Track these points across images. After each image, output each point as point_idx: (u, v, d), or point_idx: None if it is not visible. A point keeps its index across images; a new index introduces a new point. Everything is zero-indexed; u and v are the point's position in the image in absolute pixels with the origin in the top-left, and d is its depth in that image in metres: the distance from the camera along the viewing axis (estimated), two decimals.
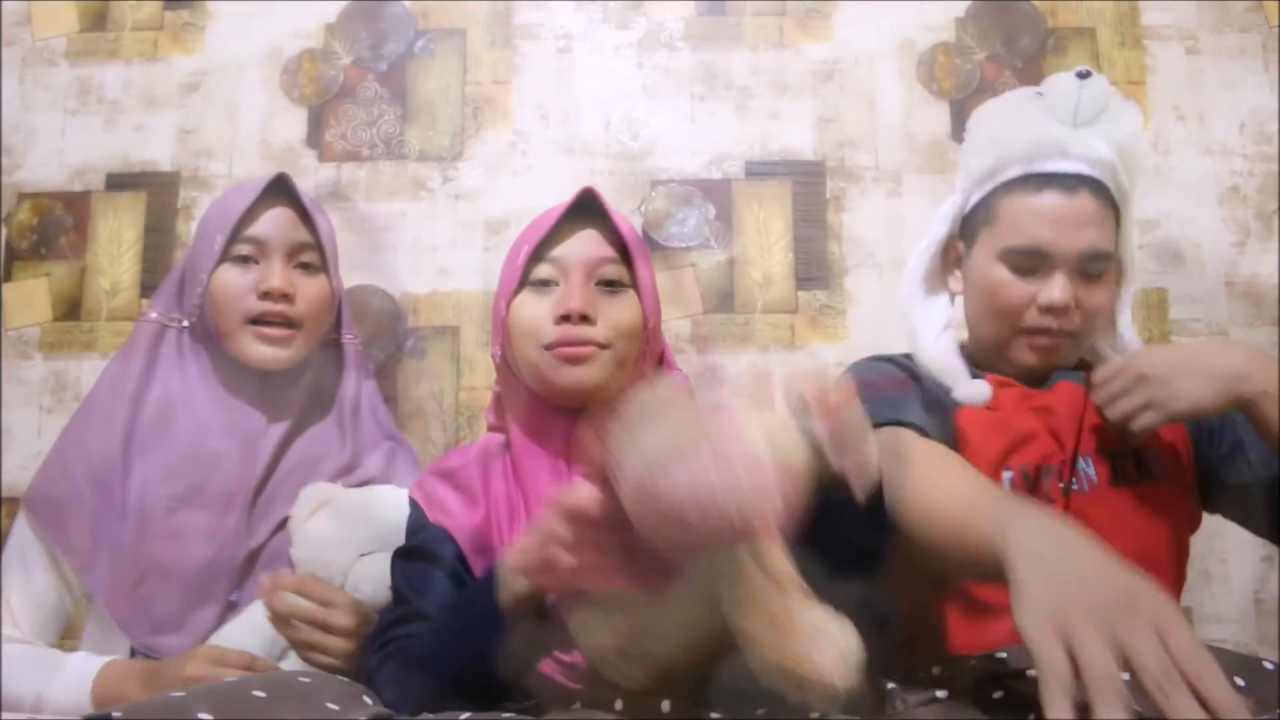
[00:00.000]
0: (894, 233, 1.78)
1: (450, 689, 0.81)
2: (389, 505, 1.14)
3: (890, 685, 0.83)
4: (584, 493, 0.68)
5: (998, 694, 0.78)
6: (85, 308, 1.80)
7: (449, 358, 1.77)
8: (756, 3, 1.86)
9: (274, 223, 1.20)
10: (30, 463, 1.75)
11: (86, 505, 1.15)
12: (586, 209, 1.06)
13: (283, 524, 1.17)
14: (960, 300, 1.22)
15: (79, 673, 1.09)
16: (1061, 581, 0.64)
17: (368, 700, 0.78)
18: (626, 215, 1.80)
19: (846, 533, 0.72)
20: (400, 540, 1.07)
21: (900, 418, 1.02)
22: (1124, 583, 0.63)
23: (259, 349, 1.18)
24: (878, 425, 1.00)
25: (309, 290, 1.20)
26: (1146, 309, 1.73)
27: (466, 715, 0.77)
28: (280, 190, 1.22)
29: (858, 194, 1.80)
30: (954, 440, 1.07)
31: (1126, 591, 0.62)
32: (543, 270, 1.04)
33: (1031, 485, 1.06)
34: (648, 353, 1.07)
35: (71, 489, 1.16)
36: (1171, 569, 1.09)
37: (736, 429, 0.61)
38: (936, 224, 1.21)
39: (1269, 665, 0.82)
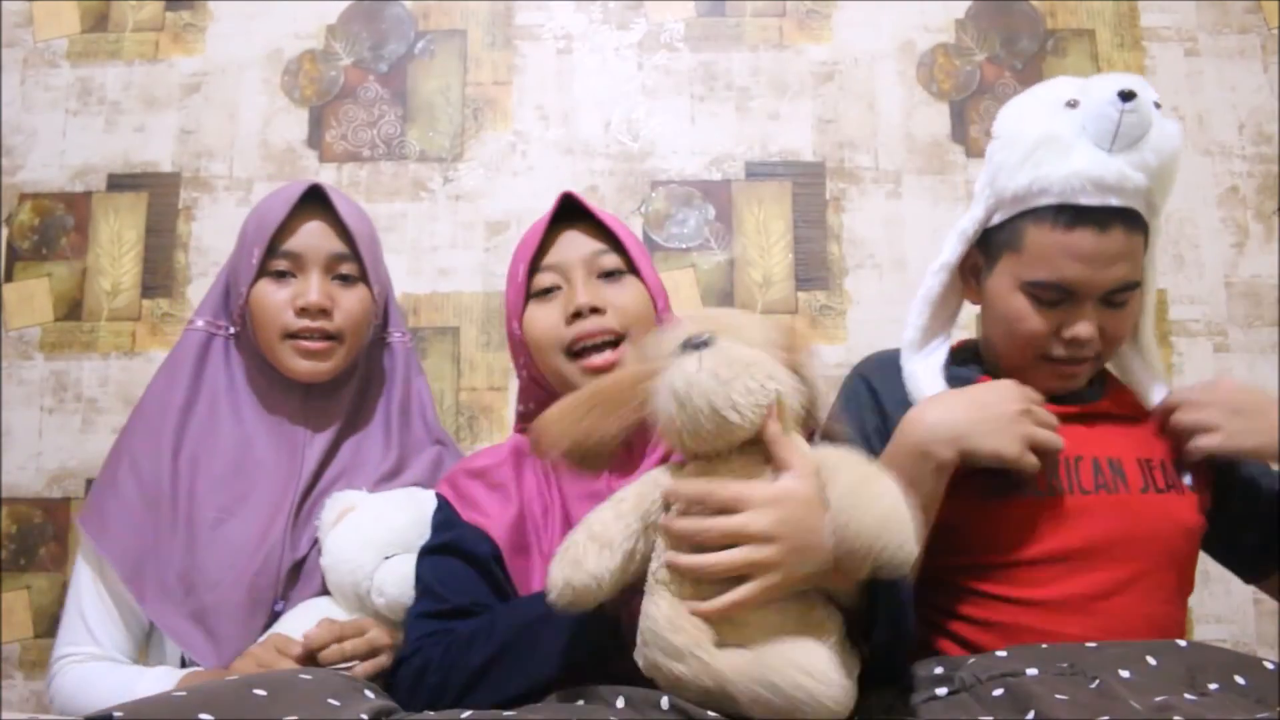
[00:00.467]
0: (894, 233, 1.78)
1: (509, 699, 0.82)
2: (411, 508, 1.14)
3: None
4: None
5: (997, 692, 0.78)
6: (86, 308, 1.80)
7: (449, 358, 1.77)
8: (756, 3, 1.87)
9: (310, 236, 1.18)
10: (30, 463, 1.75)
11: (136, 519, 1.15)
12: (570, 213, 1.08)
13: None
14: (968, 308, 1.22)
15: (160, 686, 1.07)
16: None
17: (369, 694, 0.78)
18: (626, 216, 1.81)
19: None
20: (422, 540, 1.07)
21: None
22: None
23: (299, 363, 1.17)
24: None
25: (348, 302, 1.19)
26: None
27: (467, 715, 0.77)
28: (316, 199, 1.20)
29: (857, 195, 1.80)
30: None
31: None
32: (544, 279, 1.05)
33: (1072, 471, 1.08)
34: None
35: (122, 503, 1.16)
36: (1188, 576, 1.10)
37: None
38: (953, 243, 1.13)
39: (1269, 665, 0.82)
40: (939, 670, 0.85)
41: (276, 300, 1.17)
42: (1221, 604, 1.66)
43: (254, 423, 1.20)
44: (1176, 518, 1.07)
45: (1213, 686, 0.78)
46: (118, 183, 1.83)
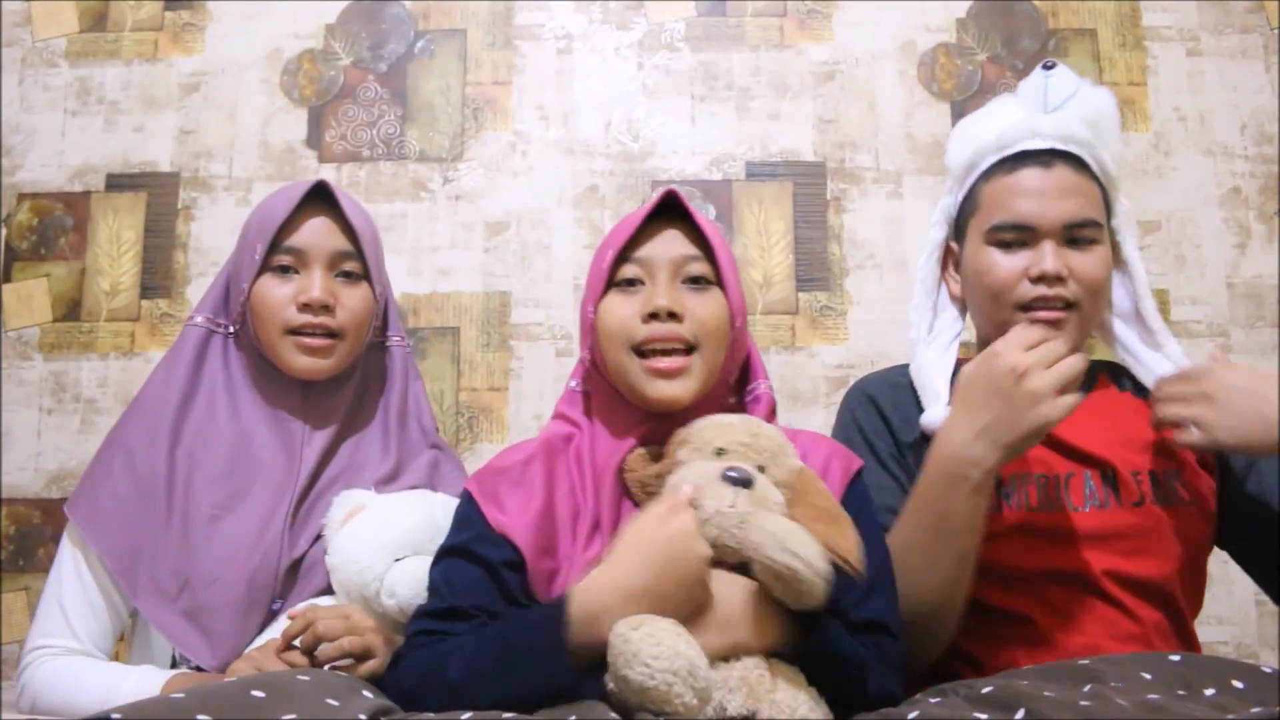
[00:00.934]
0: (894, 234, 1.78)
1: (489, 706, 0.81)
2: (422, 509, 1.13)
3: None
4: None
5: (986, 689, 0.78)
6: (85, 308, 1.80)
7: (449, 358, 1.76)
8: (757, 3, 1.86)
9: (314, 232, 1.18)
10: (30, 463, 1.75)
11: (130, 511, 1.14)
12: (670, 210, 1.06)
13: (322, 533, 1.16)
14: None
15: (145, 686, 1.06)
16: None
17: (367, 694, 0.77)
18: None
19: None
20: (432, 543, 1.06)
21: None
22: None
23: (300, 359, 1.16)
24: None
25: (350, 300, 1.18)
26: None
27: (468, 715, 0.77)
28: (321, 197, 1.20)
29: (858, 195, 1.80)
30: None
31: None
32: (629, 270, 1.03)
33: (1107, 486, 1.06)
34: (735, 352, 1.06)
35: (115, 495, 1.15)
36: (1198, 589, 1.09)
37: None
38: (933, 230, 1.21)
39: (1267, 669, 0.82)
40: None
41: (279, 296, 1.16)
42: (1223, 605, 1.65)
43: (252, 420, 1.19)
44: (1173, 533, 1.04)
45: (1209, 692, 0.77)
46: (117, 183, 1.83)
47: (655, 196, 1.06)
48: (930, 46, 1.84)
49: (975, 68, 1.83)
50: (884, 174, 1.80)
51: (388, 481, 1.20)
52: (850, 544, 0.86)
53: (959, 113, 1.80)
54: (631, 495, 0.99)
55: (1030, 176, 1.08)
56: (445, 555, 1.01)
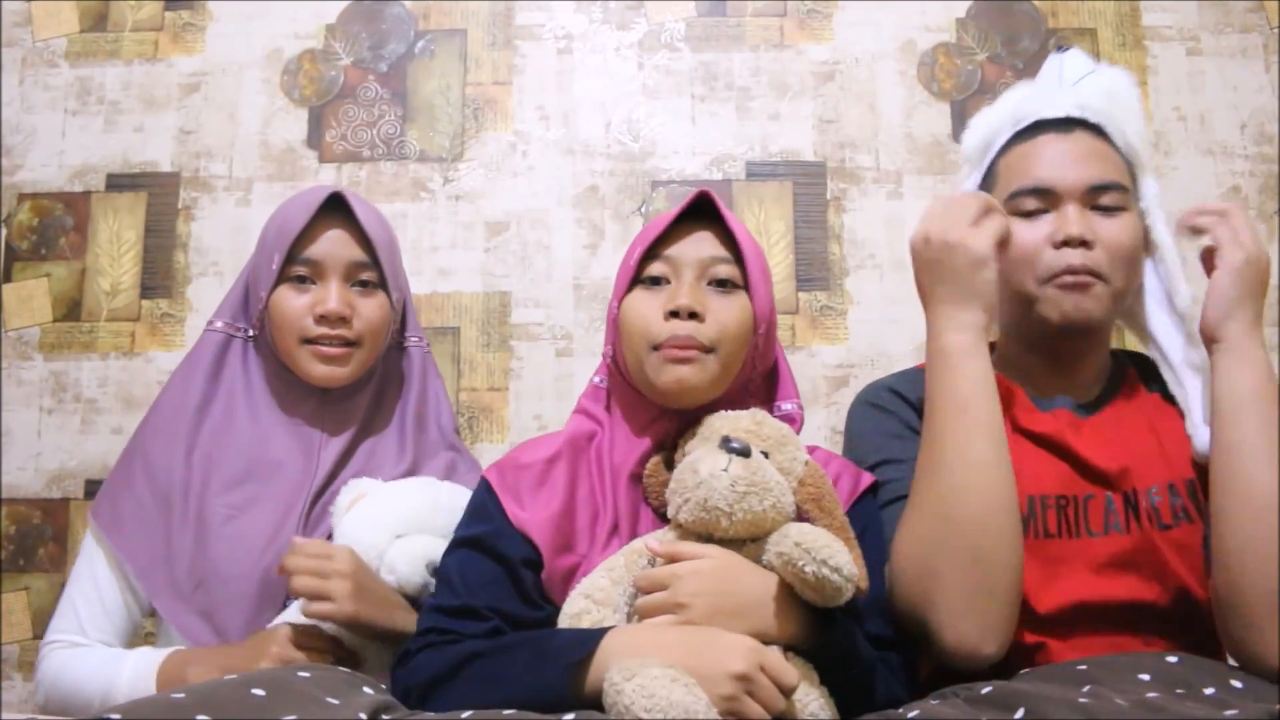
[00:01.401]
0: (895, 234, 1.78)
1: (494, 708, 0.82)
2: (425, 490, 1.16)
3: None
4: None
5: (986, 690, 0.78)
6: (85, 308, 1.80)
7: (449, 358, 1.76)
8: (757, 3, 1.86)
9: (330, 244, 1.18)
10: (30, 463, 1.75)
11: (150, 516, 1.17)
12: (702, 211, 1.05)
13: None
14: None
15: (143, 664, 1.09)
16: None
17: (368, 690, 0.77)
18: (626, 217, 1.81)
19: None
20: (435, 521, 1.08)
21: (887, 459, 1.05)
22: None
23: (317, 368, 1.17)
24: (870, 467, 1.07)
25: (367, 310, 1.19)
26: None
27: (468, 715, 0.77)
28: (337, 206, 1.20)
29: (858, 195, 1.80)
30: None
31: None
32: (655, 268, 1.03)
33: (1134, 507, 0.99)
34: (757, 359, 1.05)
35: (135, 500, 1.18)
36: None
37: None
38: None
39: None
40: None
41: (296, 307, 1.17)
42: None
43: (270, 424, 1.21)
44: (1200, 547, 0.97)
45: (1208, 691, 0.77)
46: (117, 183, 1.83)
47: (689, 196, 1.05)
48: (930, 46, 1.84)
49: (975, 68, 1.83)
50: (884, 174, 1.80)
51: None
52: (859, 561, 0.88)
53: (959, 113, 1.80)
54: (650, 501, 1.00)
55: (1048, 141, 1.04)
56: (460, 546, 1.00)
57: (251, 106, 1.84)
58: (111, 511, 1.19)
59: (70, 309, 1.80)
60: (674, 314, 0.98)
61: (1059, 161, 1.02)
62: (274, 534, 1.15)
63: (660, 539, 0.94)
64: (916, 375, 1.10)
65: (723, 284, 1.02)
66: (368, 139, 1.84)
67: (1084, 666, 0.82)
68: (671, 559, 0.89)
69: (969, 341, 0.95)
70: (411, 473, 1.23)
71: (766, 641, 0.85)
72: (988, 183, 1.11)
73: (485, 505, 1.02)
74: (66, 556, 1.73)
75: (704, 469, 0.89)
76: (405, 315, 1.31)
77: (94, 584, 1.17)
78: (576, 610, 0.92)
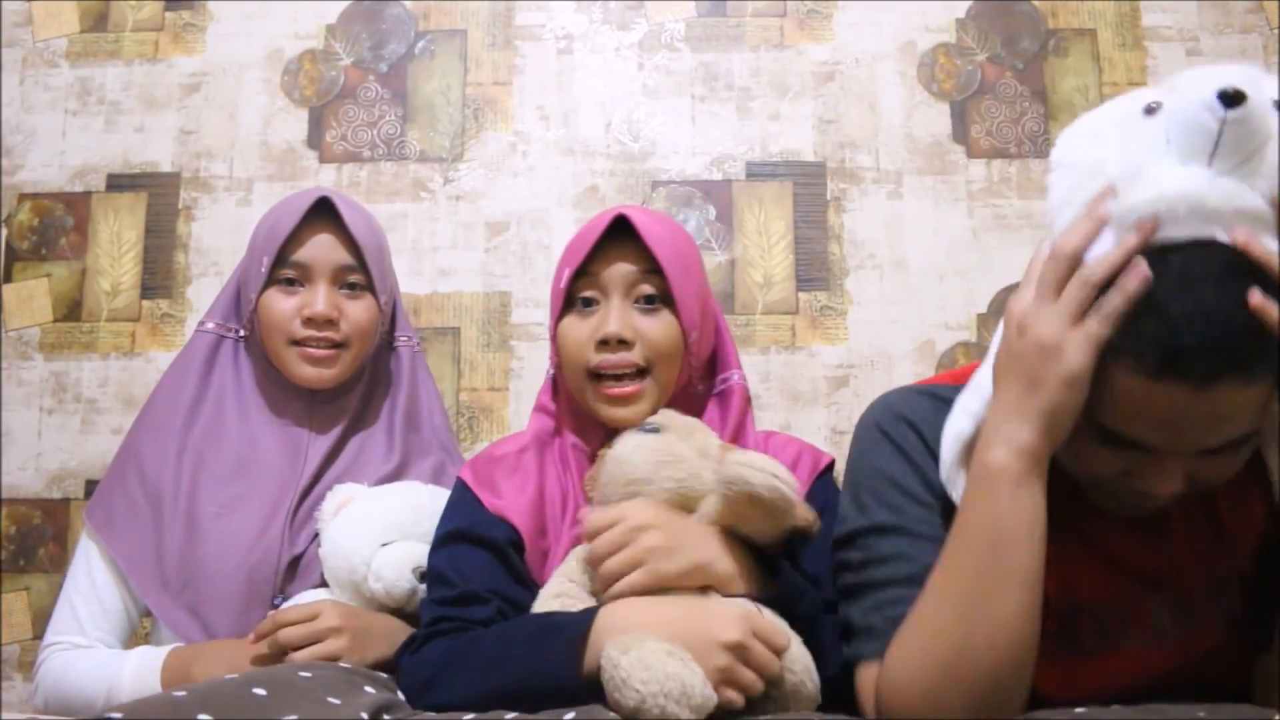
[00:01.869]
0: (895, 234, 1.78)
1: (497, 701, 0.82)
2: (408, 496, 1.16)
3: None
4: None
5: None
6: (85, 309, 1.80)
7: (449, 358, 1.76)
8: (757, 3, 1.86)
9: (317, 247, 1.20)
10: (30, 463, 1.75)
11: (141, 513, 1.18)
12: (627, 226, 1.07)
13: None
14: None
15: (146, 662, 1.10)
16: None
17: (370, 689, 0.78)
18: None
19: None
20: (418, 526, 1.09)
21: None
22: None
23: (304, 369, 1.19)
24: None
25: (354, 312, 1.21)
26: None
27: (470, 716, 0.77)
28: (327, 209, 1.22)
29: (858, 195, 1.80)
30: None
31: None
32: (585, 289, 1.07)
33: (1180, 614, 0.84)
34: (693, 362, 1.08)
35: (128, 500, 1.19)
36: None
37: None
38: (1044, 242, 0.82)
39: None
40: None
41: (284, 309, 1.19)
42: None
43: (259, 424, 1.22)
44: (1243, 658, 0.83)
45: None
46: (117, 183, 1.83)
47: (607, 218, 1.07)
48: (930, 47, 1.84)
49: (975, 68, 1.83)
50: (884, 174, 1.80)
51: (391, 481, 1.22)
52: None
53: (958, 113, 1.80)
54: (591, 501, 1.04)
55: (1174, 397, 0.70)
56: (446, 542, 1.02)
57: (252, 107, 1.84)
58: (105, 510, 1.20)
59: (70, 309, 1.80)
60: (604, 342, 1.03)
61: (1179, 426, 0.72)
62: (261, 532, 1.16)
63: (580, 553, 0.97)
64: (931, 406, 0.91)
65: (650, 300, 1.05)
66: (368, 139, 1.84)
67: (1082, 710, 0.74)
68: (612, 523, 0.91)
69: (1020, 470, 0.74)
70: (400, 471, 1.25)
71: (727, 593, 0.88)
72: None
73: (463, 501, 1.05)
74: (67, 556, 1.72)
75: (622, 449, 0.96)
76: (395, 315, 1.32)
77: (91, 584, 1.18)
78: (558, 590, 0.94)
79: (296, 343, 1.19)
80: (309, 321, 1.18)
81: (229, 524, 1.16)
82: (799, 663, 0.85)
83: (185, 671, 1.06)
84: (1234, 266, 0.69)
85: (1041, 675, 0.78)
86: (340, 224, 1.22)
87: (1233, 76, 0.69)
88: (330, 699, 0.72)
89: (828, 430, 1.72)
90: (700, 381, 1.11)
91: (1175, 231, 0.70)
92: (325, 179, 1.80)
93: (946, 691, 0.75)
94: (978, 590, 0.75)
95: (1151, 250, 0.71)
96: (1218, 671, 0.81)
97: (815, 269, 1.78)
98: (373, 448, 1.25)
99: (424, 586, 1.05)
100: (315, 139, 1.83)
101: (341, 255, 1.21)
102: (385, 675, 0.92)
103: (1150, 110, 0.74)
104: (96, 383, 1.77)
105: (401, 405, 1.29)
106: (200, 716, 0.66)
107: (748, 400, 1.13)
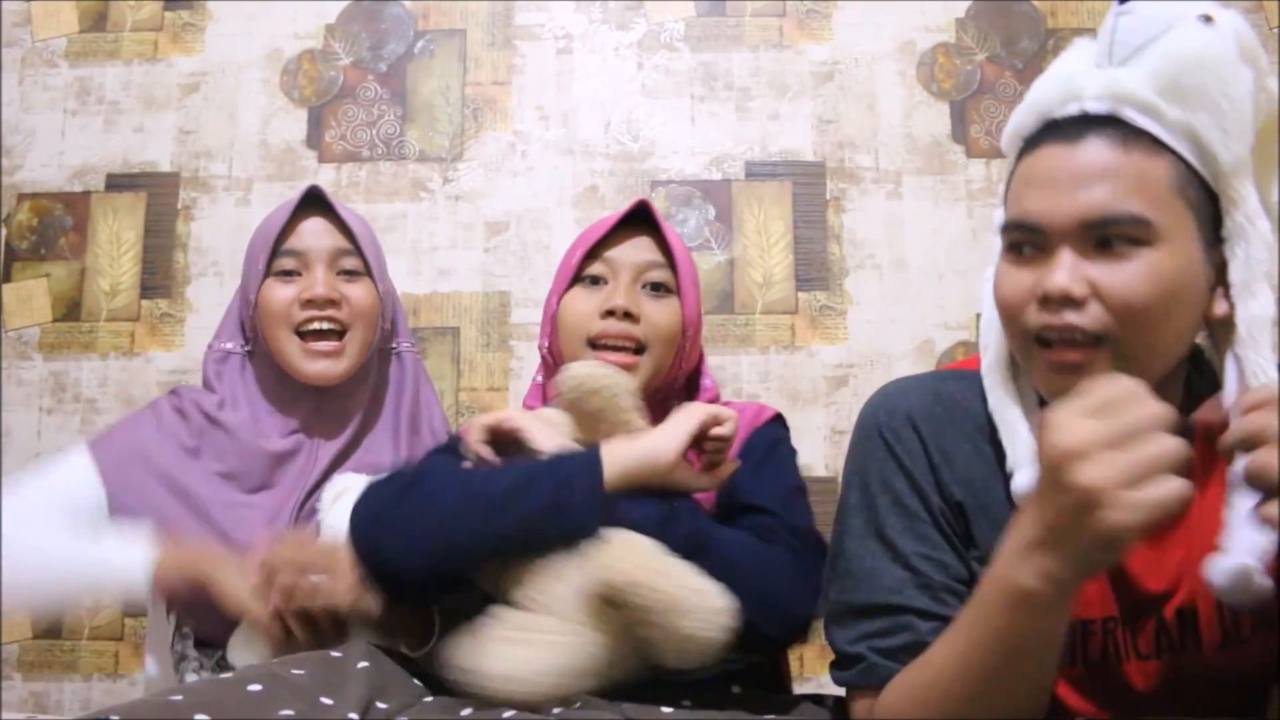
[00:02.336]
0: (894, 234, 1.78)
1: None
2: None
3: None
4: None
5: None
6: (85, 308, 1.80)
7: (449, 358, 1.77)
8: (756, 3, 1.86)
9: (312, 233, 1.21)
10: (30, 463, 1.75)
11: (156, 504, 1.15)
12: (640, 218, 1.13)
13: None
14: None
15: (133, 549, 1.06)
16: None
17: (362, 692, 0.78)
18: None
19: None
20: None
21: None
22: None
23: (311, 365, 1.19)
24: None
25: (354, 295, 1.21)
26: None
27: (468, 711, 0.77)
28: (316, 202, 1.24)
29: (858, 195, 1.80)
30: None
31: None
32: (595, 268, 1.10)
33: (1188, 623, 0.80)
34: (684, 360, 1.12)
35: (145, 492, 1.16)
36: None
37: None
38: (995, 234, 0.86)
39: None
40: None
41: (284, 296, 1.19)
42: None
43: (269, 426, 1.22)
44: (1253, 669, 0.80)
45: None
46: (116, 183, 1.83)
47: (630, 203, 1.11)
48: (929, 46, 1.84)
49: (974, 68, 1.83)
50: (883, 174, 1.80)
51: None
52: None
53: (958, 113, 1.80)
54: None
55: (1049, 155, 0.76)
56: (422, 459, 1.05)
57: (251, 106, 1.84)
58: (109, 448, 1.17)
59: (70, 309, 1.80)
60: (610, 313, 1.05)
61: (1049, 186, 0.76)
62: (267, 524, 1.16)
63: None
64: (933, 399, 0.87)
65: (656, 288, 1.09)
66: (367, 139, 1.84)
67: None
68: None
69: (1051, 596, 0.66)
70: None
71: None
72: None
73: (452, 442, 1.07)
74: None
75: (576, 363, 0.99)
76: (396, 321, 1.33)
77: (67, 485, 1.14)
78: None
79: (300, 334, 1.19)
80: (309, 304, 1.18)
81: (239, 514, 1.16)
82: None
83: (179, 563, 1.04)
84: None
85: (1057, 689, 0.77)
86: (332, 213, 1.23)
87: None
88: (323, 699, 0.72)
89: (827, 430, 1.72)
90: (677, 400, 1.12)
91: (1055, 114, 0.79)
92: (324, 179, 1.80)
93: None
94: (984, 685, 0.71)
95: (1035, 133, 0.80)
96: (1234, 672, 0.80)
97: (815, 269, 1.78)
98: (380, 450, 1.26)
99: None
100: (314, 139, 1.83)
101: (337, 239, 1.22)
102: (374, 665, 0.92)
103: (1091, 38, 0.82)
104: (96, 383, 1.77)
105: (406, 410, 1.30)
106: (198, 716, 0.66)
107: (716, 400, 1.16)
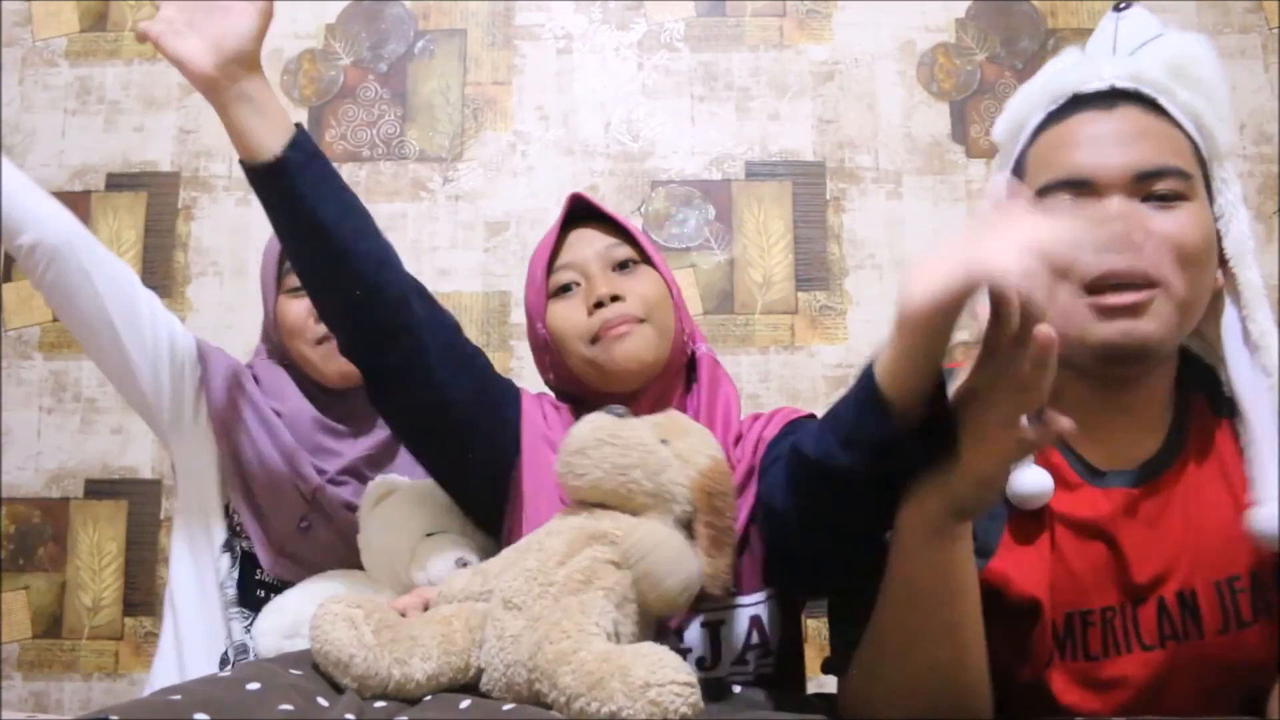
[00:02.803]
0: (894, 234, 1.78)
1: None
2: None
3: None
4: None
5: None
6: None
7: None
8: (756, 3, 1.86)
9: None
10: (30, 463, 1.75)
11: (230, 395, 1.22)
12: (579, 214, 1.12)
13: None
14: None
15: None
16: None
17: (357, 694, 0.78)
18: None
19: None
20: (459, 520, 1.11)
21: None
22: None
23: (330, 365, 1.21)
24: None
25: None
26: None
27: (466, 703, 0.77)
28: None
29: (858, 195, 1.80)
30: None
31: None
32: (563, 276, 1.09)
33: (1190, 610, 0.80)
34: (684, 321, 1.11)
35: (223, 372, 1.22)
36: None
37: None
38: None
39: None
40: None
41: (298, 312, 1.21)
42: None
43: (302, 422, 1.24)
44: (1254, 659, 0.80)
45: None
46: (117, 182, 1.83)
47: (565, 204, 1.09)
48: (929, 46, 1.84)
49: (974, 68, 1.83)
50: (883, 174, 1.80)
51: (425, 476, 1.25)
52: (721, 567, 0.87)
53: (958, 113, 1.80)
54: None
55: (1086, 120, 0.81)
56: None
57: None
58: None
59: None
60: (598, 304, 1.03)
61: (1097, 145, 0.80)
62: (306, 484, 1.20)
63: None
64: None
65: (625, 265, 1.08)
66: (367, 139, 1.84)
67: None
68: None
69: (937, 516, 0.70)
70: None
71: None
72: (1018, 173, 0.88)
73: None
74: (66, 556, 1.73)
75: (577, 425, 0.90)
76: None
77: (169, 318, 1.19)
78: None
79: (320, 342, 1.21)
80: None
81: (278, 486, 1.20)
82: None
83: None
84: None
85: (1055, 681, 0.78)
86: None
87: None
88: (319, 699, 0.72)
89: None
90: (679, 377, 1.11)
91: (1079, 90, 0.84)
92: None
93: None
94: (905, 644, 0.74)
95: (1057, 110, 0.84)
96: (1236, 660, 0.80)
97: (814, 269, 1.78)
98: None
99: None
100: (314, 138, 1.83)
101: None
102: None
103: (1079, 47, 0.90)
104: (96, 382, 1.77)
105: None
106: (197, 716, 0.66)
107: (716, 364, 1.13)
